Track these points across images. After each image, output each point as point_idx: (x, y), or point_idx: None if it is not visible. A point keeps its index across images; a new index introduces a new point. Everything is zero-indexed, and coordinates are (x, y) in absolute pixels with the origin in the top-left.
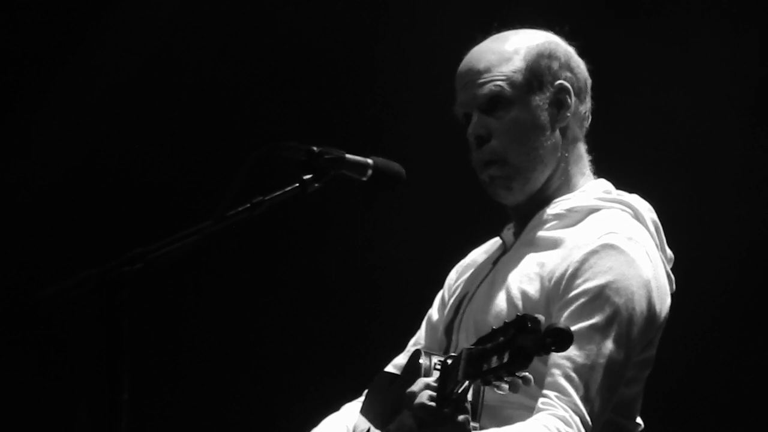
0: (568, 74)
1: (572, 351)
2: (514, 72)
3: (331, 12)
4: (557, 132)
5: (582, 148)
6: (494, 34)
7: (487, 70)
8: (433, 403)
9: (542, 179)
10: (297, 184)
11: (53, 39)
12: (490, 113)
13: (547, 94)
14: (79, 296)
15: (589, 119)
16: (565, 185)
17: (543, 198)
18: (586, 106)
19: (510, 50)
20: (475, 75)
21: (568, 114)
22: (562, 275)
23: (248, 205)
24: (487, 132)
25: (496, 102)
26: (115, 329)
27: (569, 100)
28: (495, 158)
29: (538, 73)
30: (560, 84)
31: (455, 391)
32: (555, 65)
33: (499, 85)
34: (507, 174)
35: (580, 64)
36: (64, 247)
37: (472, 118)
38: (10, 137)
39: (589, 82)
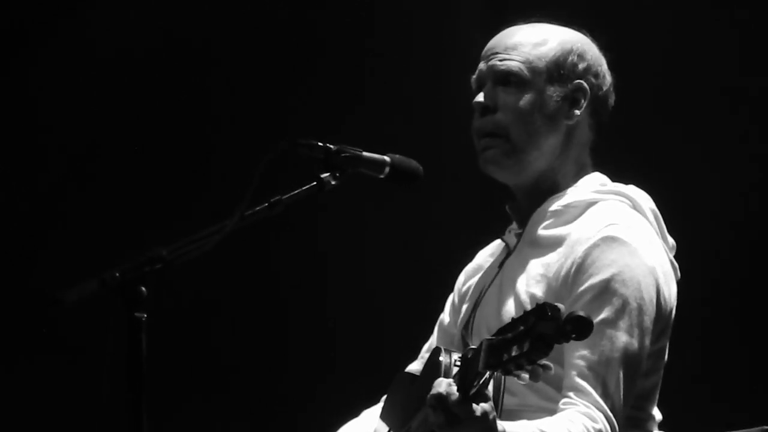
0: (592, 79)
1: (586, 349)
2: (539, 58)
3: (343, 8)
4: (563, 128)
5: (587, 156)
6: (534, 21)
7: (514, 48)
8: (454, 396)
9: (535, 167)
10: (314, 183)
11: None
12: (503, 88)
13: (564, 88)
14: (99, 297)
15: (599, 133)
16: (563, 184)
17: (541, 196)
18: (601, 119)
19: (542, 37)
20: (501, 49)
21: (578, 113)
22: (567, 273)
23: (266, 204)
24: (494, 104)
25: (511, 79)
26: (135, 330)
27: (583, 102)
28: (497, 132)
29: (561, 66)
30: (579, 83)
31: (476, 383)
32: (581, 65)
33: (520, 65)
34: (504, 150)
35: (607, 76)
36: (73, 249)
37: (484, 87)
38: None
39: (612, 98)
